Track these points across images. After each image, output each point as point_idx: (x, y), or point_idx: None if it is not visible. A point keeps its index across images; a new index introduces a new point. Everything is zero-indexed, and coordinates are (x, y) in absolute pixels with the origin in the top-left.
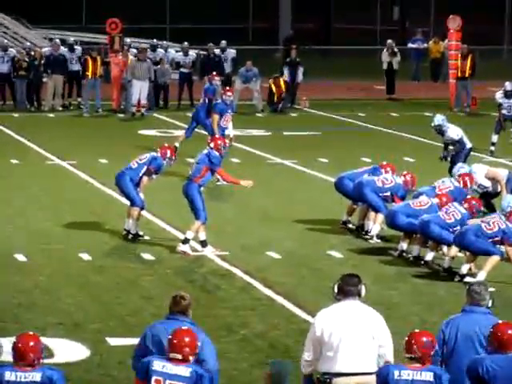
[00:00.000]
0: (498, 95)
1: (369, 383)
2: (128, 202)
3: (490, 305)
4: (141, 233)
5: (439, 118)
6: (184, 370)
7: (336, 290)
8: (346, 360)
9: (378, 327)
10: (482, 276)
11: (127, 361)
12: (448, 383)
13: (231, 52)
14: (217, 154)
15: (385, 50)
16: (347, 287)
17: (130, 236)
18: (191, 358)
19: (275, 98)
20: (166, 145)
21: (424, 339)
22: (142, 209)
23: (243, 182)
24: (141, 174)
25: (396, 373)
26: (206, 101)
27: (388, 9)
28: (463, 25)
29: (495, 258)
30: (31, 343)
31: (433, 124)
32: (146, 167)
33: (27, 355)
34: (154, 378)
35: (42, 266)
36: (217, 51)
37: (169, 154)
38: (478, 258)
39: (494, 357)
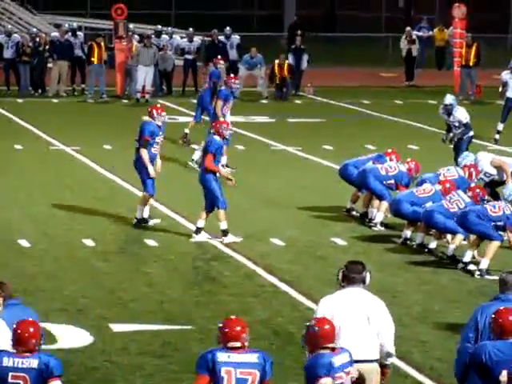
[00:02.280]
0: (504, 73)
1: (370, 370)
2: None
3: None
4: (146, 217)
5: (450, 98)
6: (250, 357)
7: (340, 277)
8: (348, 346)
9: (380, 315)
10: (484, 264)
11: (130, 347)
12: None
13: (236, 39)
14: (217, 138)
15: (403, 38)
16: (352, 274)
17: (135, 221)
18: (247, 343)
19: (277, 80)
20: (187, 130)
21: None
22: (150, 195)
23: (225, 174)
24: (138, 146)
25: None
26: (211, 85)
27: None
28: (468, 13)
29: (495, 244)
30: (31, 329)
31: (444, 102)
32: (141, 139)
33: (26, 341)
34: (223, 370)
35: (46, 251)
36: (221, 38)
37: (155, 113)
38: (480, 246)
39: (497, 343)
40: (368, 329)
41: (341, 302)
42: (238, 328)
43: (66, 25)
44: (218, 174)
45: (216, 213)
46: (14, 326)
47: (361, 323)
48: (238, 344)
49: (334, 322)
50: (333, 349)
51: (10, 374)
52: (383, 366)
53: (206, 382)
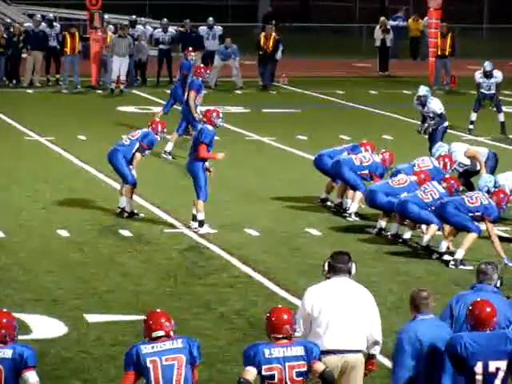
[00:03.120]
0: (477, 75)
1: (356, 361)
2: (119, 180)
3: (498, 284)
4: (136, 211)
5: (424, 89)
6: (173, 343)
7: (326, 268)
8: (335, 337)
9: (368, 305)
10: (460, 254)
11: (104, 337)
12: (319, 354)
13: (218, 29)
14: (209, 127)
15: (378, 27)
16: (337, 265)
17: (126, 214)
18: (172, 333)
19: (262, 51)
20: (157, 119)
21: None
22: (134, 186)
23: (217, 155)
24: (134, 151)
25: (267, 351)
26: (181, 76)
27: None
28: (443, 3)
29: (473, 236)
30: (4, 320)
31: (417, 94)
32: (138, 143)
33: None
34: (148, 360)
35: (21, 242)
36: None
37: (160, 129)
38: (456, 237)
39: (473, 334)
40: (355, 319)
41: (328, 293)
42: (162, 319)
43: (39, 15)
44: (206, 164)
45: (195, 202)
46: None
47: (348, 313)
48: (162, 333)
49: (290, 315)
50: (283, 339)
51: None
52: (370, 357)
53: (132, 379)
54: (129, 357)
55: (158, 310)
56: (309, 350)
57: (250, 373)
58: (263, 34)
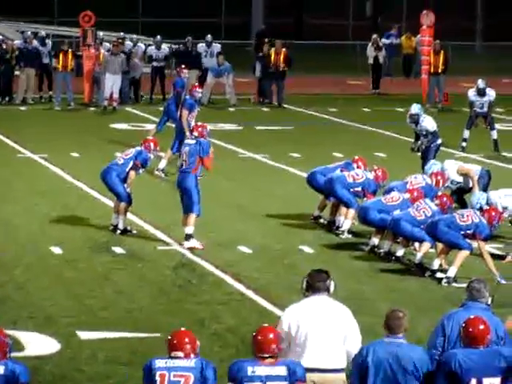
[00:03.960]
0: (471, 93)
1: (337, 379)
2: (113, 197)
3: (489, 302)
4: (129, 228)
5: (416, 107)
6: (186, 362)
7: (304, 286)
8: (313, 355)
9: (347, 323)
10: (452, 272)
11: (98, 355)
12: (304, 376)
13: (217, 46)
14: (206, 141)
15: (370, 45)
16: (316, 283)
17: (118, 232)
18: (193, 355)
19: (273, 67)
20: (150, 137)
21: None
22: (129, 204)
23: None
24: (127, 169)
25: (250, 369)
26: (175, 94)
27: (361, 4)
28: (436, 20)
29: (465, 253)
30: None
31: (409, 112)
32: (132, 162)
33: None
34: (158, 374)
35: (15, 259)
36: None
37: (153, 147)
38: (448, 254)
39: (467, 351)
40: (334, 337)
41: (306, 311)
42: (185, 340)
43: (29, 32)
44: (199, 178)
45: (188, 216)
46: None
47: (327, 332)
48: (181, 354)
49: (276, 334)
50: (268, 358)
51: None
52: None
53: None
54: (145, 369)
55: (183, 329)
56: (291, 371)
57: None
58: (273, 49)
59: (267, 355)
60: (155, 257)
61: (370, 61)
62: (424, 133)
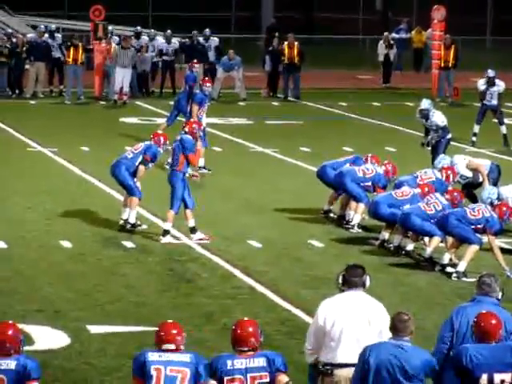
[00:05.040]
0: (480, 82)
1: None
2: (124, 192)
3: (499, 296)
4: (139, 222)
5: (426, 102)
6: (181, 356)
7: (340, 281)
8: (348, 350)
9: (382, 318)
10: (462, 266)
11: (107, 349)
12: (284, 365)
13: (215, 40)
14: (189, 137)
15: (381, 42)
16: (351, 278)
17: (129, 226)
18: (182, 347)
19: (285, 60)
20: (160, 131)
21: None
22: (139, 198)
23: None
24: (137, 164)
25: (229, 362)
26: (187, 88)
27: None
28: (447, 15)
29: (475, 248)
30: (9, 333)
31: (419, 107)
32: (141, 156)
33: (4, 345)
34: (153, 368)
35: (23, 253)
36: (200, 39)
37: (162, 141)
38: (458, 249)
39: (478, 346)
40: (370, 333)
41: (342, 306)
42: (174, 331)
43: (42, 26)
44: (186, 175)
45: (186, 212)
46: None
47: (362, 327)
48: (172, 346)
49: (255, 327)
50: (250, 351)
51: None
52: None
53: None
54: (136, 362)
55: (170, 321)
56: (271, 361)
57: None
58: (286, 43)
59: (246, 348)
60: (164, 251)
61: (381, 58)
62: (434, 128)
